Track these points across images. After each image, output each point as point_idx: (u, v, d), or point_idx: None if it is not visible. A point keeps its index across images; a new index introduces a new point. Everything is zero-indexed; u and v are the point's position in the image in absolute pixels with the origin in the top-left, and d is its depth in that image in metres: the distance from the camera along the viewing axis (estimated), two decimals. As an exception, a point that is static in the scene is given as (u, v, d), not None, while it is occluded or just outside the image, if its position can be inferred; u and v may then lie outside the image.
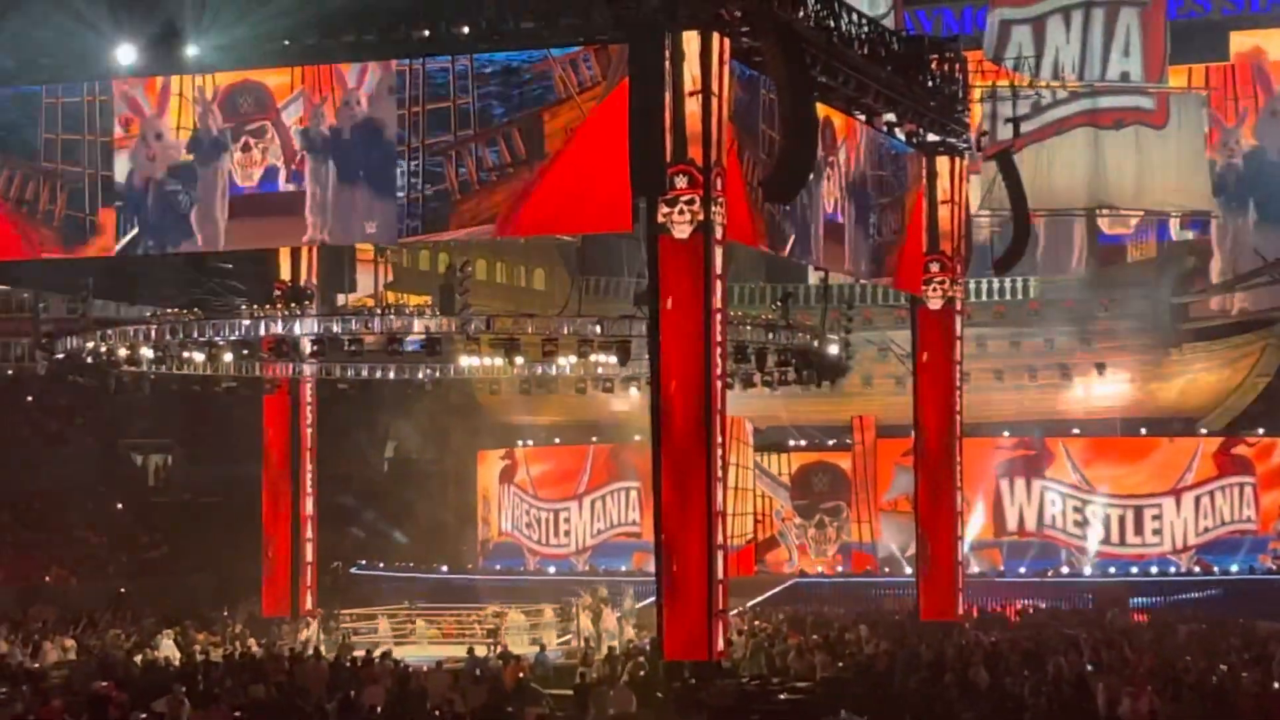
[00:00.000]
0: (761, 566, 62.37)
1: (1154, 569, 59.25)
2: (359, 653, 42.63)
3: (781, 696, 36.39)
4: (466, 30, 37.28)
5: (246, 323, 46.13)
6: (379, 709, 32.48)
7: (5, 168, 40.54)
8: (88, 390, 59.16)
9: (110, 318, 53.80)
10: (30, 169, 40.38)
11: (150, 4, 39.11)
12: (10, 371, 72.38)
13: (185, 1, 38.59)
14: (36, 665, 41.09)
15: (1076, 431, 62.34)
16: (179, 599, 56.41)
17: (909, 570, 53.77)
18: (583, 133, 36.19)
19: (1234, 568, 58.78)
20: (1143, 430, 62.68)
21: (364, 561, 64.81)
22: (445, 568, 65.56)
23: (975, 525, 57.69)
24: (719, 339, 36.15)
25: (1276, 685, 36.01)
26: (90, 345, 48.68)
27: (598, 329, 44.51)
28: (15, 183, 40.52)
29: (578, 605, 50.74)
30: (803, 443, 64.96)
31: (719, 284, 36.01)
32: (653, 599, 50.03)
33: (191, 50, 38.97)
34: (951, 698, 34.71)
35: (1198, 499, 60.02)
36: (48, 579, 61.00)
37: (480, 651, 43.09)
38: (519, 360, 47.76)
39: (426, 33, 37.71)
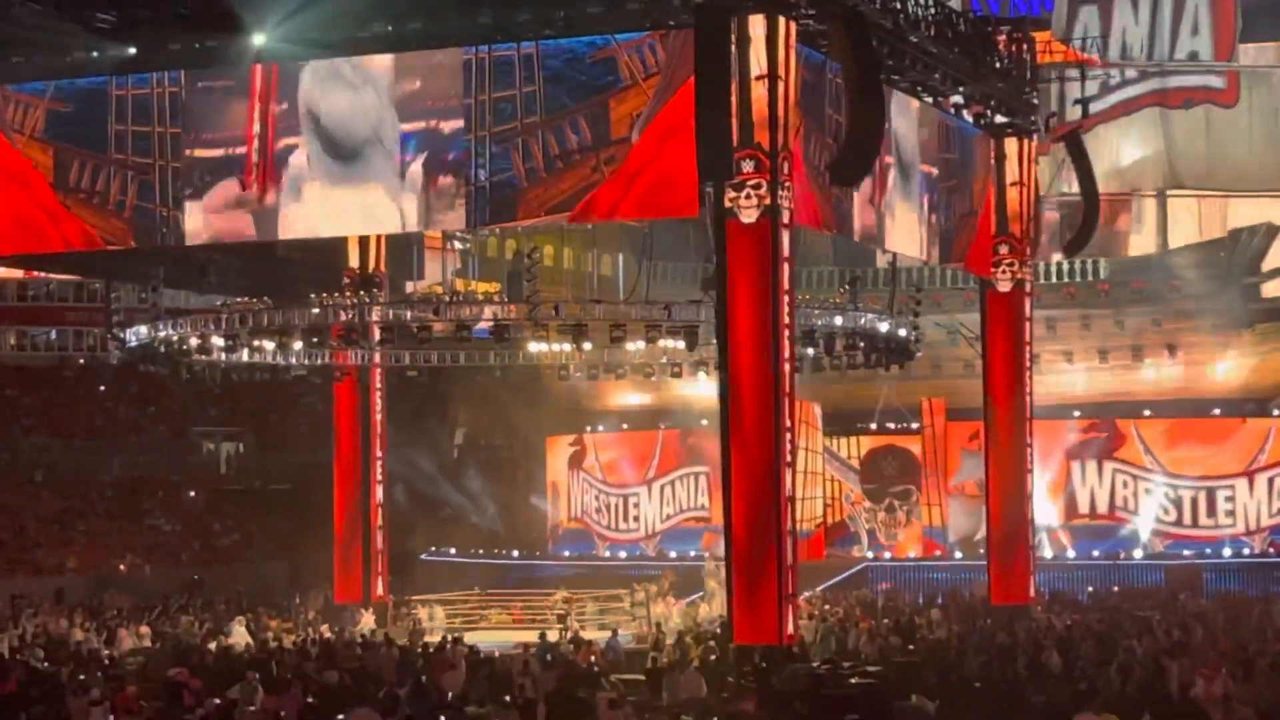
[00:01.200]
0: (831, 551, 62.28)
1: (1227, 551, 58.86)
2: (431, 638, 42.89)
3: (852, 680, 36.32)
4: (532, 16, 37.42)
5: (316, 311, 46.42)
6: (454, 695, 32.77)
7: (76, 160, 40.82)
8: (159, 379, 59.83)
9: (181, 307, 54.26)
10: (101, 160, 40.66)
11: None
12: (82, 361, 73.09)
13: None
14: (112, 652, 41.44)
15: (1148, 413, 61.93)
16: (251, 586, 56.83)
17: (980, 554, 53.60)
18: (650, 119, 36.26)
19: (1306, 548, 58.54)
20: (1215, 411, 62.21)
21: (434, 548, 65.00)
22: (515, 553, 65.74)
23: (1046, 508, 57.41)
24: (787, 323, 36.14)
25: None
26: (161, 334, 49.09)
27: (665, 314, 44.57)
28: (86, 174, 40.83)
29: (649, 590, 50.90)
30: (872, 426, 64.79)
31: (786, 268, 36.01)
32: (696, 596, 50.51)
33: (258, 40, 39.26)
34: (1023, 681, 34.71)
35: (1271, 480, 59.60)
36: (121, 567, 61.54)
37: (551, 636, 43.24)
38: (587, 346, 47.83)
39: (491, 19, 37.86)
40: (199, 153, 40.30)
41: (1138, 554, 59.42)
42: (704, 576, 51.46)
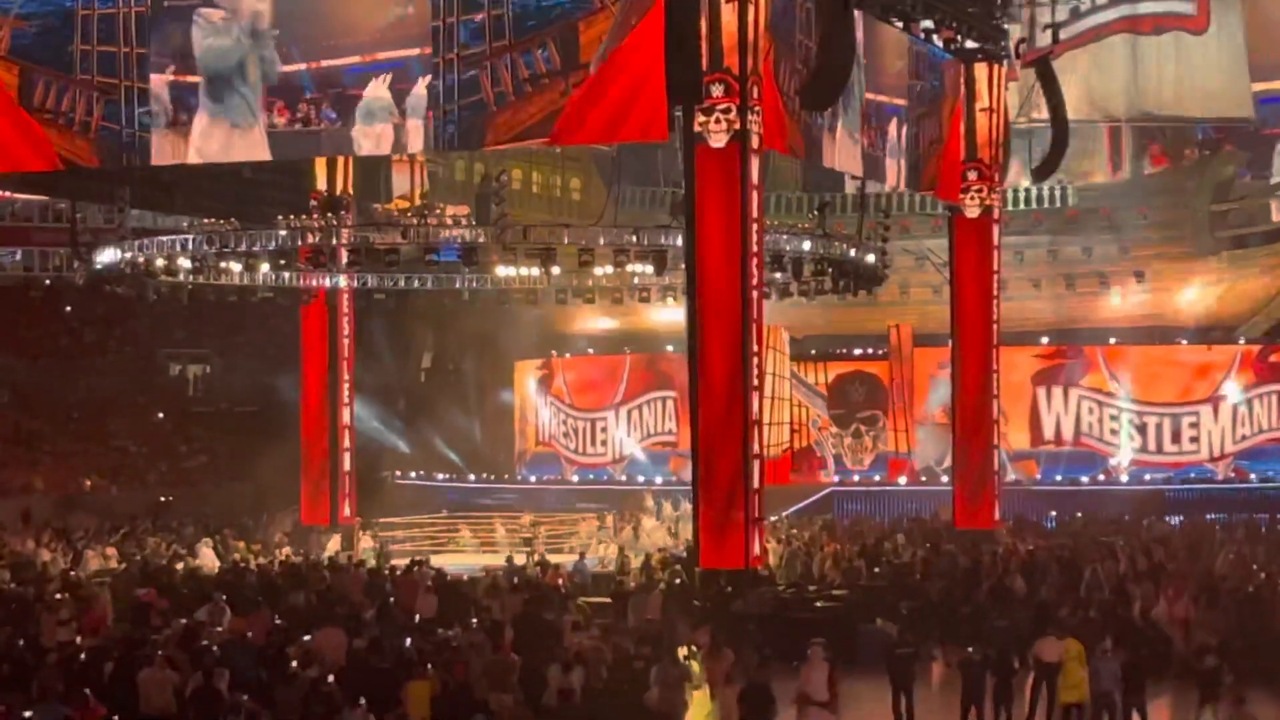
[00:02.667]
0: (798, 475, 62.45)
1: (1191, 476, 59.22)
2: (397, 561, 43.01)
3: (817, 604, 36.63)
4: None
5: (283, 233, 46.29)
6: (422, 617, 32.92)
7: (41, 79, 40.55)
8: (126, 300, 59.48)
9: (147, 228, 53.99)
10: (66, 80, 40.42)
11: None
12: (48, 282, 72.64)
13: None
14: (79, 573, 41.45)
15: (1114, 340, 62.15)
16: (218, 508, 56.74)
17: (946, 480, 53.85)
18: (619, 42, 36.13)
19: (1271, 474, 58.70)
20: (1181, 339, 62.48)
21: (400, 471, 65.08)
22: (483, 477, 65.85)
23: (1012, 434, 57.64)
24: (755, 248, 36.20)
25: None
26: (128, 255, 48.89)
27: (634, 239, 44.52)
28: (51, 94, 40.58)
29: (615, 514, 51.07)
30: (842, 351, 64.87)
31: (755, 193, 36.06)
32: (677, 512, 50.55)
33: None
34: (988, 605, 34.98)
35: (1235, 407, 59.90)
36: (88, 487, 61.41)
37: (518, 560, 43.40)
38: (555, 270, 47.81)
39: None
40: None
41: (1102, 480, 59.78)
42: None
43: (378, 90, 38.72)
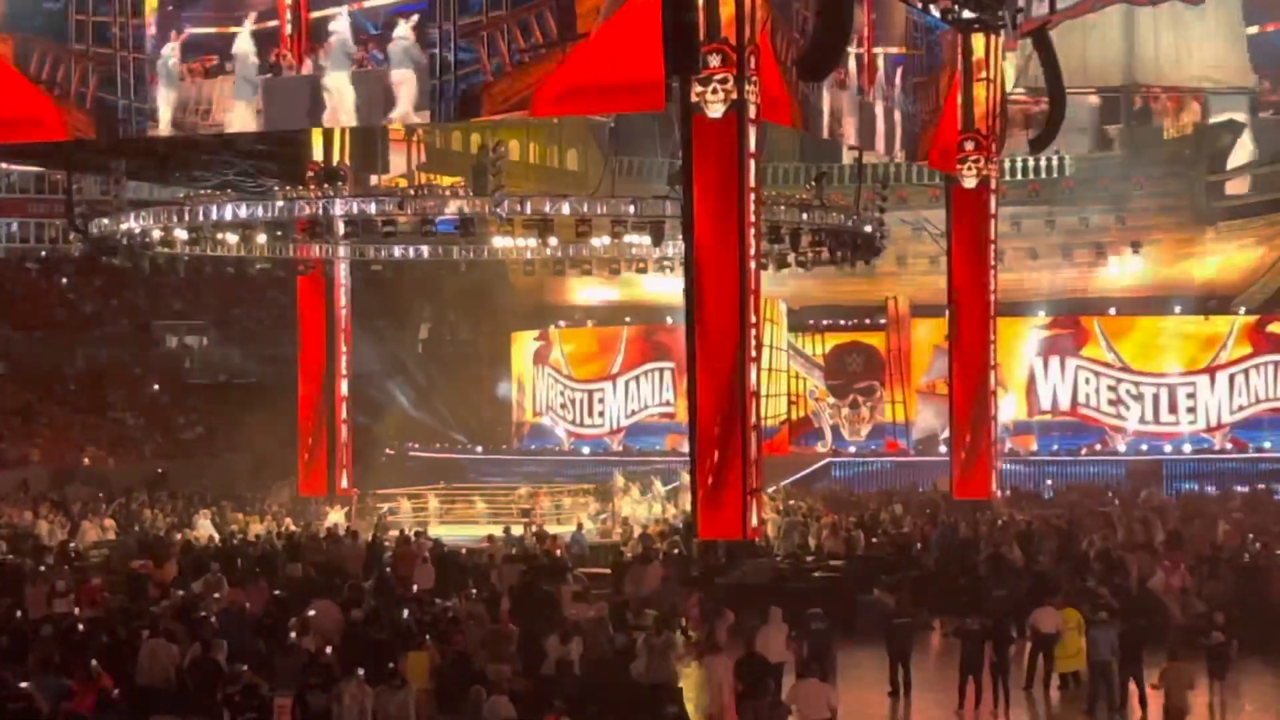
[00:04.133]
0: (795, 446, 62.49)
1: (1188, 447, 59.27)
2: (395, 532, 43.02)
3: (815, 575, 36.69)
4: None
5: (280, 204, 46.18)
6: (420, 588, 32.92)
7: (35, 49, 40.50)
8: (122, 272, 59.51)
9: (144, 199, 53.90)
10: (62, 51, 40.36)
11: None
12: (44, 253, 72.72)
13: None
14: (76, 544, 41.46)
15: (1112, 310, 62.12)
16: (215, 480, 56.81)
17: (944, 451, 53.89)
18: (615, 11, 36.05)
19: (1268, 445, 58.75)
20: (1177, 309, 62.43)
21: (399, 442, 65.11)
22: (480, 448, 65.90)
23: (1009, 404, 57.67)
24: (752, 219, 36.19)
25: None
26: (124, 227, 48.78)
27: (631, 209, 44.40)
28: (48, 65, 40.53)
29: (614, 485, 51.05)
30: (839, 322, 64.83)
31: (752, 163, 36.02)
32: (675, 484, 50.48)
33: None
34: (984, 575, 35.01)
35: (1232, 377, 59.91)
36: (85, 460, 61.38)
37: (516, 531, 43.43)
38: (552, 241, 47.76)
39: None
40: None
41: (1099, 449, 59.83)
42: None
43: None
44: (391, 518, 49.58)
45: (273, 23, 39.81)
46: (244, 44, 39.72)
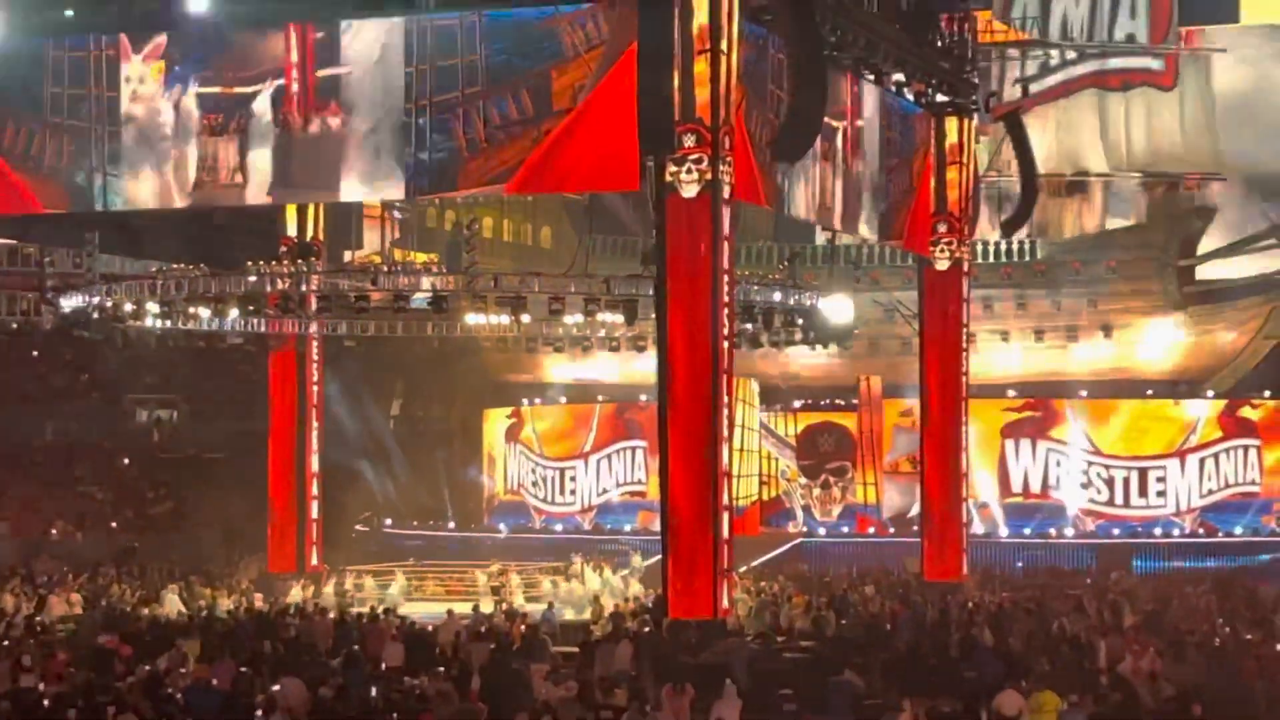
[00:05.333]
0: (767, 526, 62.36)
1: (1158, 531, 59.28)
2: (365, 609, 42.83)
3: (786, 655, 36.54)
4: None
5: (253, 278, 46.22)
6: (389, 665, 32.72)
7: (10, 122, 40.50)
8: (93, 345, 59.33)
9: (116, 273, 53.86)
10: (35, 123, 40.35)
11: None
12: (15, 326, 72.36)
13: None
14: (43, 619, 41.19)
15: (1083, 393, 62.27)
16: (184, 555, 56.56)
17: (915, 530, 53.86)
18: (591, 90, 36.17)
19: (1238, 530, 58.82)
20: (1149, 392, 62.63)
21: (369, 518, 64.86)
22: (451, 525, 65.68)
23: (980, 486, 57.67)
24: (726, 299, 36.15)
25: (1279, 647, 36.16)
26: (96, 300, 48.77)
27: (604, 287, 44.50)
28: (21, 137, 40.50)
29: (583, 564, 50.91)
30: (811, 402, 64.85)
31: (726, 244, 36.01)
32: (647, 562, 50.27)
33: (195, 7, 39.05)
34: (955, 657, 34.92)
35: (1202, 461, 60.03)
36: (53, 533, 61.05)
37: (485, 608, 43.24)
38: (525, 318, 47.75)
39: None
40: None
41: (1069, 533, 59.81)
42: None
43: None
44: (357, 594, 49.35)
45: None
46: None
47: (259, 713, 26.08)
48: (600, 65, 36.03)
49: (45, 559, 54.49)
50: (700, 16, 35.06)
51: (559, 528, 64.69)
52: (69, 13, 40.25)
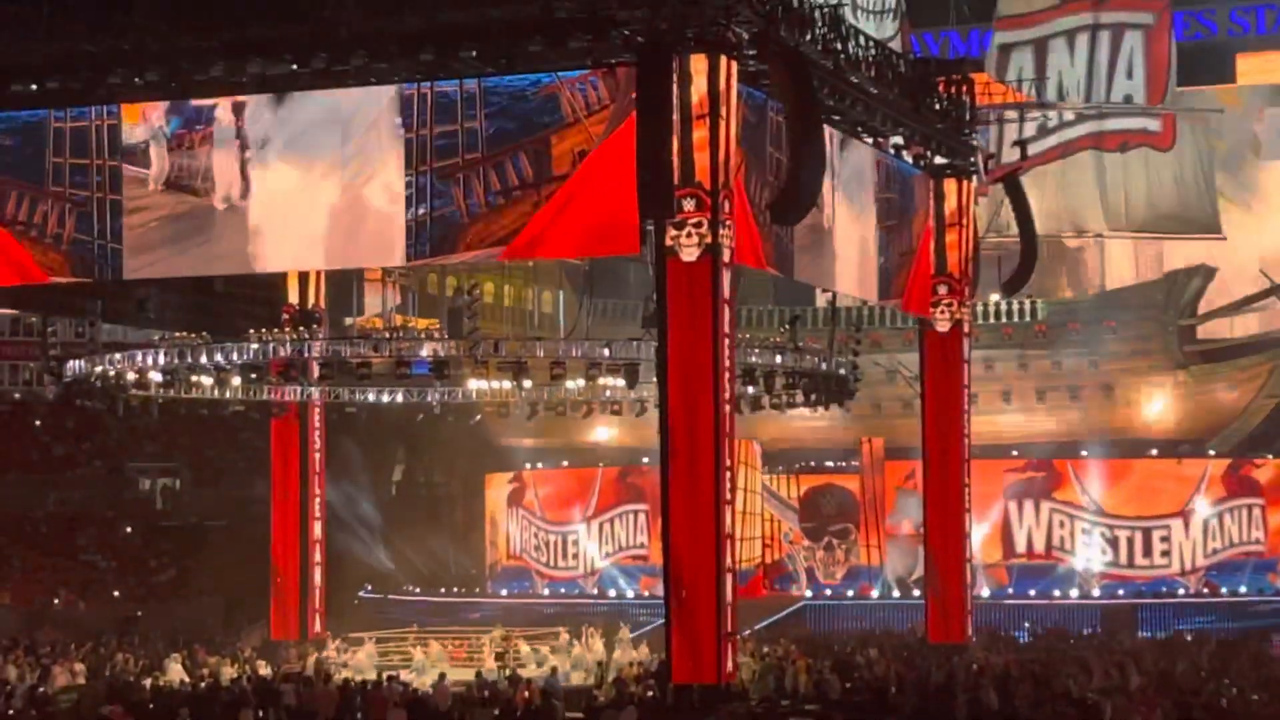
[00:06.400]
0: (770, 589, 62.22)
1: (1163, 590, 59.14)
2: (369, 676, 42.70)
3: (790, 719, 36.45)
4: (475, 54, 37.37)
5: (254, 346, 46.23)
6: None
7: (14, 191, 40.62)
8: (95, 414, 59.33)
9: (118, 341, 53.86)
10: (38, 193, 40.46)
11: (152, 30, 39.27)
12: (18, 395, 72.44)
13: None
14: (45, 689, 41.04)
15: (1085, 453, 62.21)
16: (187, 623, 56.46)
17: (916, 593, 53.75)
18: (590, 156, 36.25)
19: (1243, 589, 58.67)
20: (1152, 452, 62.56)
21: (372, 586, 64.74)
22: (458, 589, 65.52)
23: (983, 547, 57.54)
24: (728, 363, 36.13)
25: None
26: (98, 369, 48.80)
27: (606, 352, 44.54)
28: (24, 207, 40.60)
29: (588, 629, 50.77)
30: (813, 464, 64.79)
31: (727, 307, 35.99)
32: (649, 627, 50.07)
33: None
34: (964, 710, 34.81)
35: (1206, 520, 59.93)
36: (55, 603, 60.99)
37: (489, 674, 43.12)
38: (527, 383, 47.78)
39: (433, 56, 37.83)
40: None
41: (1074, 593, 59.65)
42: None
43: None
44: (343, 656, 49.11)
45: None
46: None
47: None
48: (600, 130, 36.17)
49: (48, 629, 54.43)
50: (699, 83, 35.17)
51: (562, 591, 64.52)
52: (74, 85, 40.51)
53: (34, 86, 40.55)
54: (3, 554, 63.37)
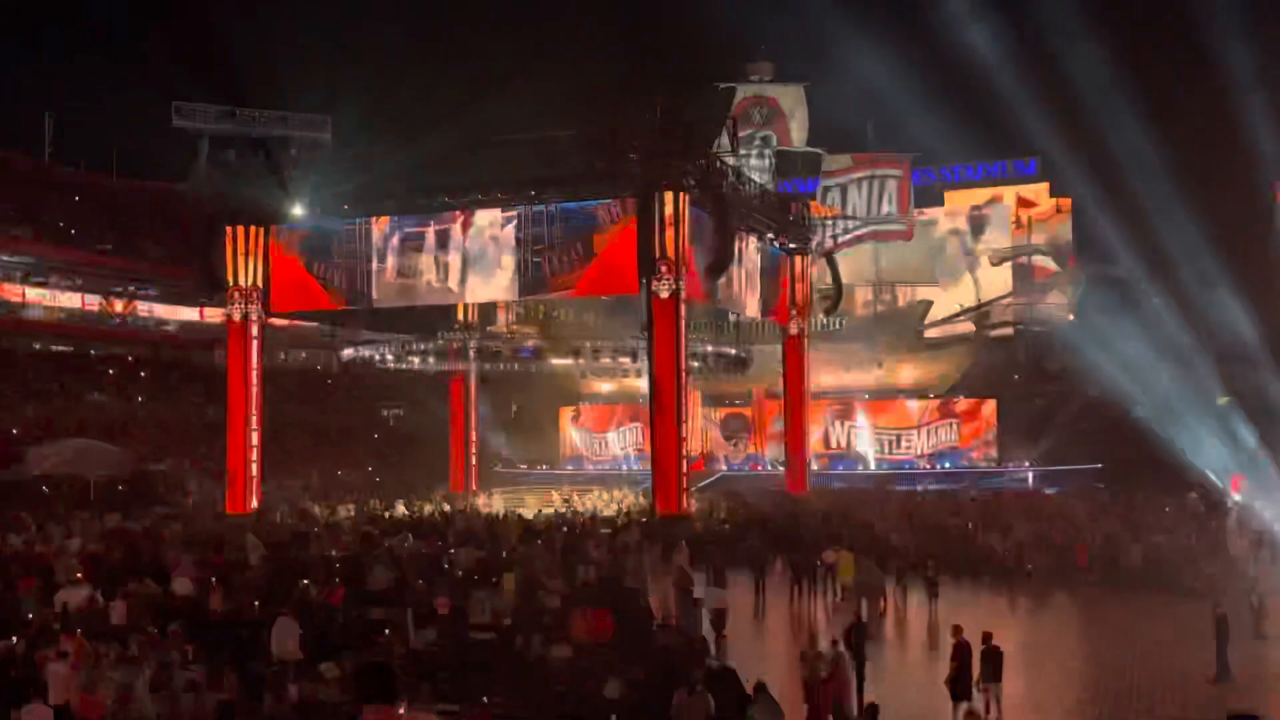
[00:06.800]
0: (705, 467, 62.25)
1: (905, 467, 59.20)
2: (499, 512, 42.75)
3: (718, 531, 36.63)
4: (553, 192, 37.56)
5: (441, 340, 46.54)
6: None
7: (317, 261, 40.82)
8: (359, 375, 59.32)
9: (370, 338, 53.93)
10: (328, 263, 40.67)
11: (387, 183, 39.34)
12: (318, 366, 72.29)
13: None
14: (335, 519, 40.89)
15: (866, 396, 62.22)
16: (406, 484, 56.44)
17: (781, 468, 53.83)
18: (611, 244, 36.36)
19: (948, 465, 58.79)
20: (900, 395, 62.55)
21: (499, 465, 64.72)
22: (542, 467, 65.51)
23: (815, 445, 57.56)
24: (683, 349, 36.35)
25: (970, 525, 36.26)
26: (362, 353, 48.94)
27: (622, 343, 44.76)
28: (321, 269, 40.88)
29: (589, 496, 50.73)
30: (728, 402, 64.75)
31: (683, 321, 36.27)
32: (644, 485, 50.18)
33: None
34: (802, 532, 34.98)
35: (930, 430, 59.99)
36: (339, 475, 60.53)
37: (563, 510, 43.24)
38: (581, 360, 47.99)
39: (533, 192, 37.95)
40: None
41: (859, 468, 59.74)
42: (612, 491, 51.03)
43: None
44: (486, 501, 49.07)
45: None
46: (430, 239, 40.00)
47: (446, 566, 26.07)
48: (619, 230, 36.29)
49: (338, 490, 54.48)
50: (668, 207, 35.38)
51: (600, 467, 64.48)
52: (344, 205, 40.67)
53: (322, 209, 40.89)
54: (307, 450, 63.08)
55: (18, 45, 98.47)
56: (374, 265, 40.19)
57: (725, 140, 48.66)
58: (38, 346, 62.20)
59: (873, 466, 59.98)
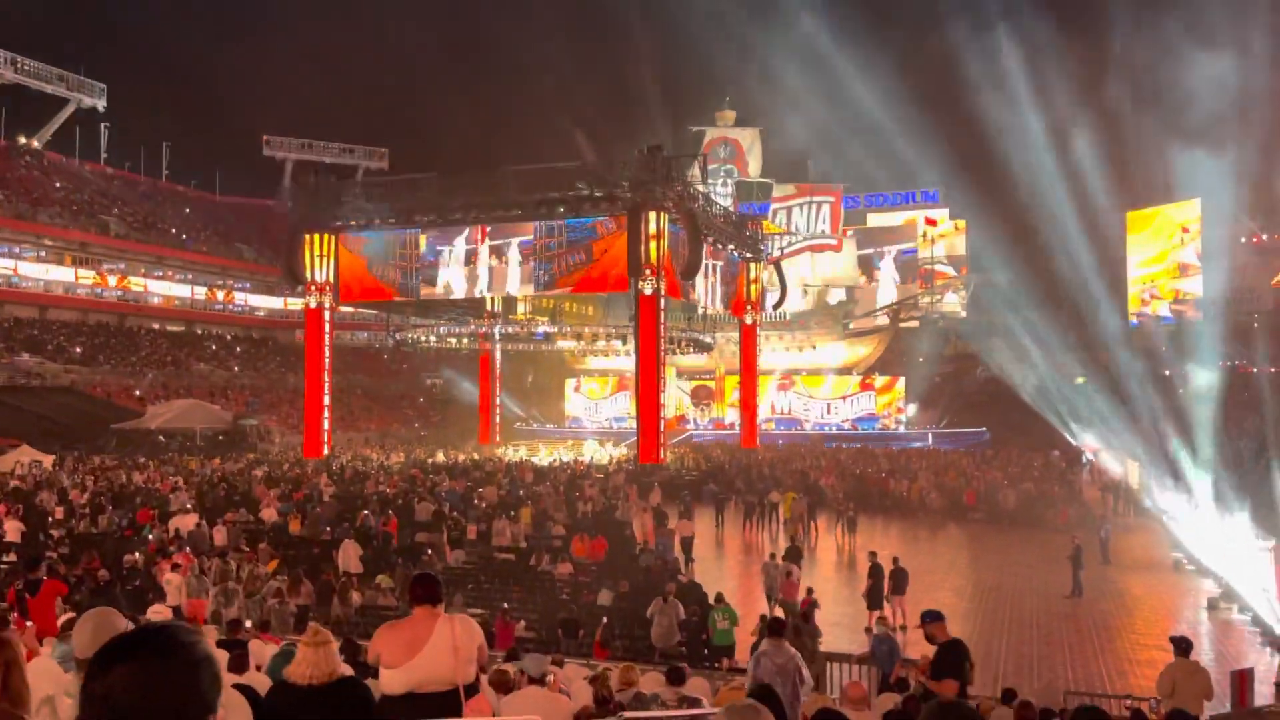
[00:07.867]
0: (679, 426, 62.22)
1: (833, 429, 59.32)
2: (515, 459, 42.57)
3: (687, 476, 36.62)
4: (561, 209, 37.29)
5: (473, 325, 46.16)
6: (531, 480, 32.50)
7: (376, 262, 40.43)
8: (407, 353, 58.87)
9: (417, 322, 53.57)
10: (385, 265, 40.25)
11: (430, 199, 38.83)
12: (377, 345, 71.84)
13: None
14: (388, 464, 40.73)
15: (804, 372, 62.16)
16: (445, 437, 56.27)
17: (737, 428, 53.81)
18: (607, 250, 36.12)
19: (867, 428, 58.90)
20: (830, 372, 62.56)
21: (518, 424, 64.53)
22: (550, 426, 65.37)
23: (764, 409, 57.60)
24: (662, 334, 36.20)
25: (884, 474, 36.29)
26: (411, 335, 48.58)
27: (616, 330, 44.53)
28: (379, 268, 40.45)
29: (587, 447, 50.50)
30: (696, 376, 64.61)
31: (664, 314, 36.08)
32: (630, 439, 50.02)
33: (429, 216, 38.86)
34: (753, 478, 34.97)
35: (851, 400, 60.09)
36: (391, 428, 60.23)
37: (566, 458, 43.07)
38: (582, 343, 47.81)
39: (546, 209, 37.67)
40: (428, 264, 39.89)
41: (798, 429, 59.72)
42: (605, 446, 50.86)
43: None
44: (506, 451, 48.80)
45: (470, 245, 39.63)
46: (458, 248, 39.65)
47: (475, 500, 26.01)
48: (613, 240, 36.04)
49: (390, 441, 54.16)
50: (651, 225, 35.15)
51: (594, 426, 64.33)
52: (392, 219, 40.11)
53: (380, 221, 40.36)
54: (366, 410, 62.80)
55: (138, 83, 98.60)
56: (421, 266, 39.94)
57: (697, 172, 48.47)
58: (156, 326, 62.51)
59: (808, 428, 60.04)
